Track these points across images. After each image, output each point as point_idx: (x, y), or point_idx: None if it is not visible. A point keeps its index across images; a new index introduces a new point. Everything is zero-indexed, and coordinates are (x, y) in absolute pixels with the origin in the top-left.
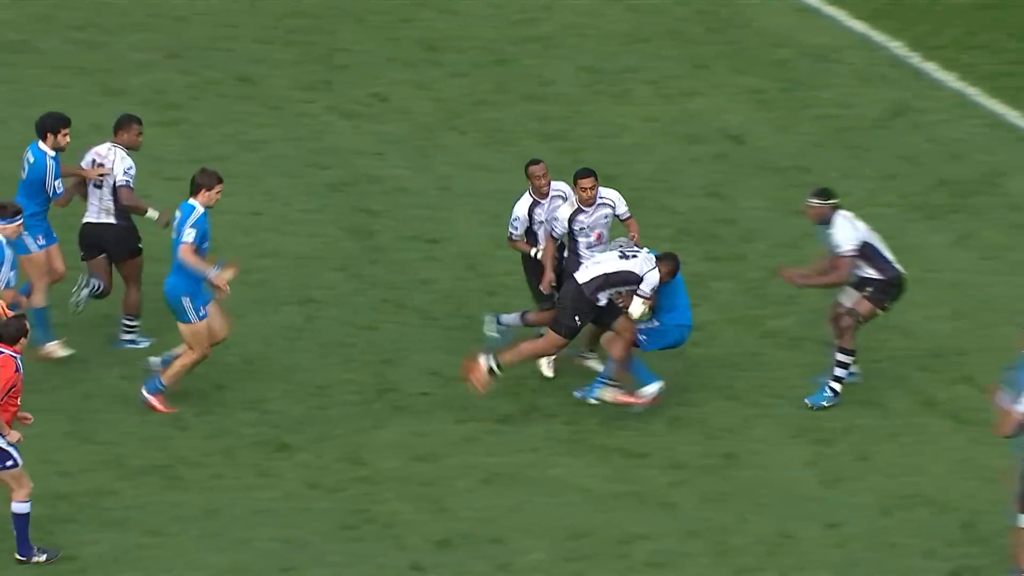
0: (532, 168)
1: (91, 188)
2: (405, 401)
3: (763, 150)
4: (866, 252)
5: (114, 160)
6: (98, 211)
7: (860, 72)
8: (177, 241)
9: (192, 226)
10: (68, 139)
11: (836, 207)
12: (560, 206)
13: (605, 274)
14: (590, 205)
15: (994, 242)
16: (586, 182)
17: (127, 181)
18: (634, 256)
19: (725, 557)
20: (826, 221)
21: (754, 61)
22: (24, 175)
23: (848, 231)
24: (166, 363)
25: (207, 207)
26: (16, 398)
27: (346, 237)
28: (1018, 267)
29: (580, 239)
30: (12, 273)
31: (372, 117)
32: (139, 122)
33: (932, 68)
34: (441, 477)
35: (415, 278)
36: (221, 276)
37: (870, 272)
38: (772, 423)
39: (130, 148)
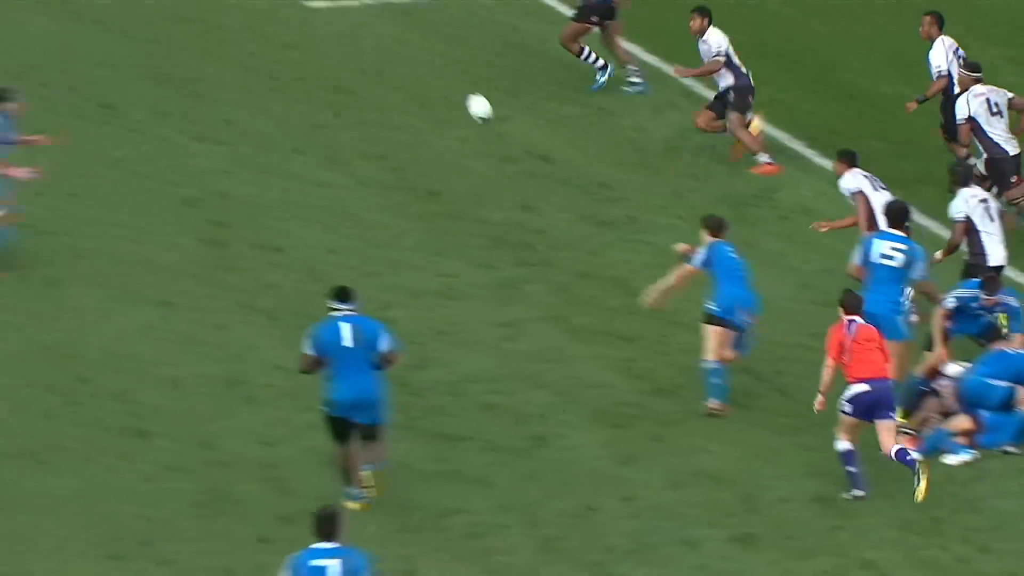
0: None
1: None
2: (253, 392)
3: (569, 166)
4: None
5: None
6: None
7: (652, 101)
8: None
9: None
10: None
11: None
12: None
13: None
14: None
15: (771, 248)
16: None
17: None
18: None
19: (534, 528)
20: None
21: (563, 86)
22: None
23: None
24: None
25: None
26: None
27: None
28: (792, 270)
29: None
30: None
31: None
32: None
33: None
34: (285, 460)
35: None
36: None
37: None
38: (576, 409)
39: None
